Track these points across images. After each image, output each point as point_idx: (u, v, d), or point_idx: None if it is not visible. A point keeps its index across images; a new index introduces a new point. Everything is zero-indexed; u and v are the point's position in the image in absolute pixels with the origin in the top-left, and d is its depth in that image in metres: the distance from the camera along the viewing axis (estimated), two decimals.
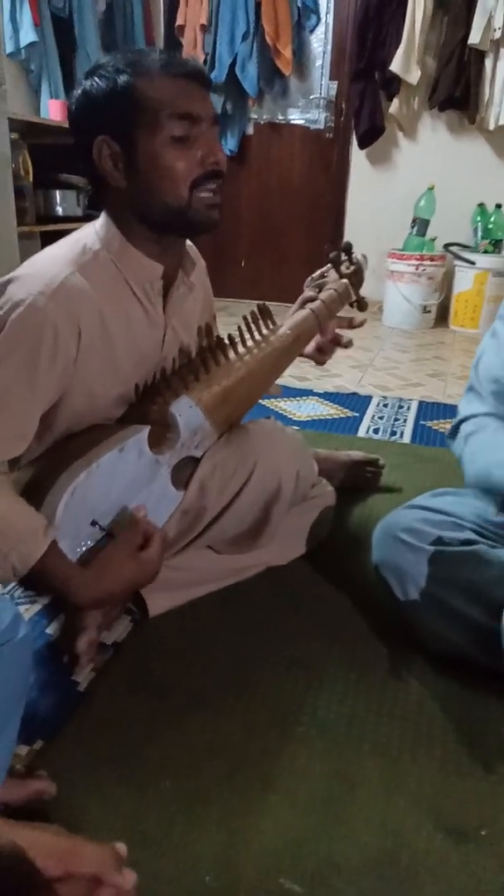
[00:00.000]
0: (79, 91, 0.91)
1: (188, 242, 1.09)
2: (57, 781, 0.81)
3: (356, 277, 1.25)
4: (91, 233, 0.97)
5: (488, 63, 3.27)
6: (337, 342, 1.25)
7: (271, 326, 1.13)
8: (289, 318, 1.17)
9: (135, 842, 0.75)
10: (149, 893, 0.70)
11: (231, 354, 1.07)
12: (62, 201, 3.10)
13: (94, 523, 0.86)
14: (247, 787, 0.85)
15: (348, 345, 1.26)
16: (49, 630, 1.09)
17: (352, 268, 1.24)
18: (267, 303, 1.14)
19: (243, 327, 1.10)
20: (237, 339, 1.08)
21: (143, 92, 0.88)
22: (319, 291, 1.20)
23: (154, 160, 0.90)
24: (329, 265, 1.23)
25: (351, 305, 1.25)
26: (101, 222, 0.98)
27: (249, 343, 1.10)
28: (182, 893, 0.72)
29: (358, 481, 1.59)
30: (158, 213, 0.93)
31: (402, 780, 0.87)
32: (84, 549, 0.86)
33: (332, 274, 1.23)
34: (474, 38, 3.17)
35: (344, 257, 1.24)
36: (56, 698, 0.96)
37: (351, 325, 1.24)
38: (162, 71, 0.89)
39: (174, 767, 0.87)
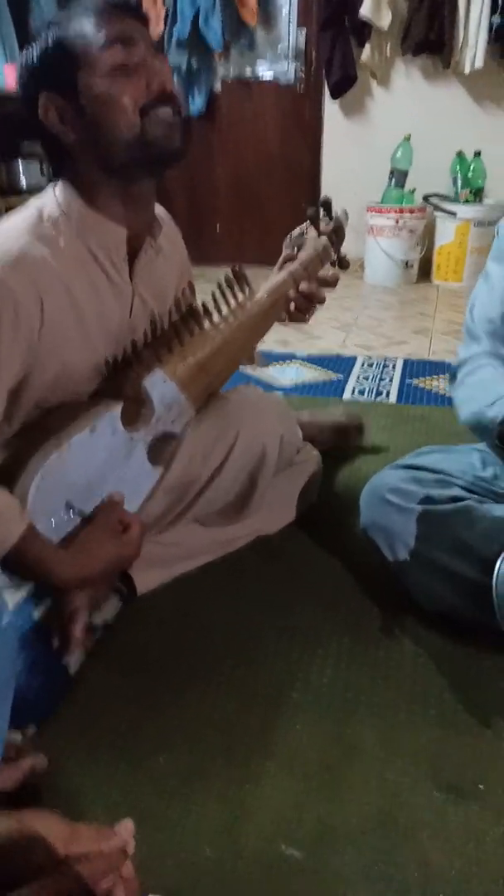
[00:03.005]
0: (19, 63, 0.90)
1: (161, 211, 1.04)
2: (52, 764, 0.80)
3: (336, 235, 1.20)
4: (50, 199, 0.93)
5: (461, 3, 3.15)
6: (313, 299, 1.19)
7: (247, 291, 1.09)
8: (267, 281, 1.13)
9: (134, 817, 0.76)
10: (150, 866, 0.70)
11: (205, 324, 1.03)
12: (25, 172, 3.01)
13: (68, 505, 0.84)
14: (245, 757, 0.85)
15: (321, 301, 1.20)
16: (36, 614, 1.08)
17: (331, 224, 1.20)
18: (249, 266, 1.10)
19: (217, 294, 1.06)
20: (211, 307, 1.05)
21: (72, 36, 0.86)
22: (298, 251, 1.16)
23: (98, 97, 0.86)
24: (308, 223, 1.19)
25: (333, 265, 1.20)
26: (59, 187, 0.94)
27: (224, 310, 1.06)
28: (183, 865, 0.73)
29: (343, 442, 1.56)
30: (115, 152, 0.89)
31: (398, 742, 0.87)
32: (59, 530, 0.84)
33: (312, 232, 1.19)
34: None
35: (323, 213, 1.19)
36: (46, 682, 0.95)
37: (328, 283, 1.19)
38: (86, 10, 0.87)
39: (171, 743, 0.87)
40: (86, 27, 0.86)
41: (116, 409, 0.89)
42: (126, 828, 0.64)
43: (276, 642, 1.03)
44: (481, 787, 0.81)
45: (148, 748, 0.86)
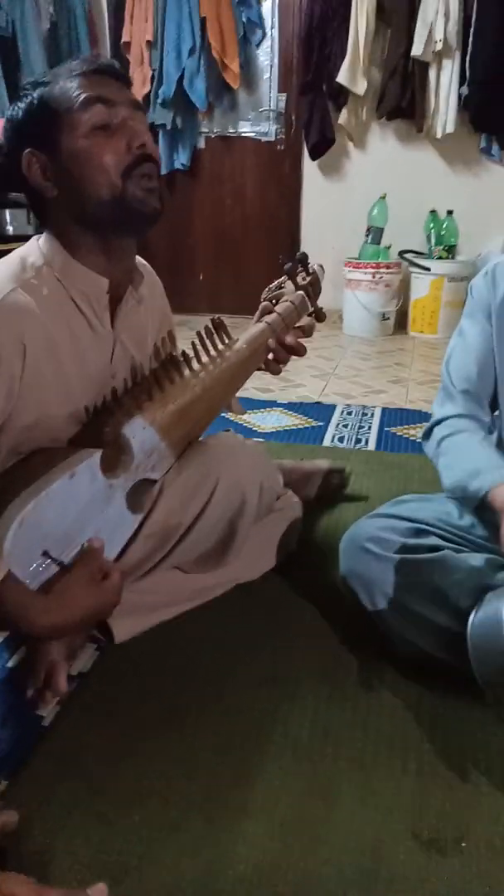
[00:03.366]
0: (5, 119, 0.93)
1: (142, 261, 1.07)
2: (24, 819, 0.78)
3: (313, 288, 1.23)
4: (34, 249, 0.96)
5: (432, 73, 3.32)
6: (293, 352, 1.22)
7: (227, 341, 1.11)
8: (246, 331, 1.15)
9: (106, 877, 0.73)
10: None
11: (186, 372, 1.05)
12: (12, 220, 3.07)
13: (45, 553, 0.83)
14: (221, 812, 0.83)
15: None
16: (10, 664, 1.05)
17: (308, 279, 1.23)
18: (228, 316, 1.12)
19: (198, 343, 1.08)
20: (192, 356, 1.06)
21: (56, 96, 0.89)
22: (276, 303, 1.19)
23: (79, 156, 0.89)
24: (285, 276, 1.22)
25: (309, 316, 1.23)
26: (43, 238, 0.96)
27: (204, 359, 1.07)
28: None
29: (326, 490, 1.58)
30: (95, 211, 0.91)
31: (378, 794, 0.86)
32: (36, 578, 0.83)
33: (289, 285, 1.22)
34: (417, 49, 3.23)
35: (300, 268, 1.23)
36: (18, 734, 0.93)
37: (306, 334, 1.22)
38: (70, 73, 0.91)
39: (145, 797, 0.84)
40: (69, 88, 0.89)
41: (96, 456, 0.89)
42: (98, 891, 0.62)
43: (253, 691, 1.02)
44: (463, 843, 0.80)
45: (122, 803, 0.84)
